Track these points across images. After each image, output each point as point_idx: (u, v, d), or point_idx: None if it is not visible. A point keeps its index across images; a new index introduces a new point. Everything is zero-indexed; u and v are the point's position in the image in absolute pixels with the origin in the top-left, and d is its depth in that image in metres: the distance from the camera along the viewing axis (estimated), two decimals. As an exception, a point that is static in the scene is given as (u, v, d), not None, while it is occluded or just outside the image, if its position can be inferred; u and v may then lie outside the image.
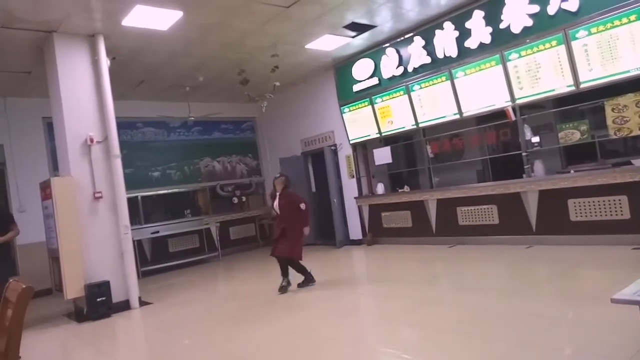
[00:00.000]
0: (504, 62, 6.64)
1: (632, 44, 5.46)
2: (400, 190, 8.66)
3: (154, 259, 9.48)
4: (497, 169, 7.84)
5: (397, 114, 8.24)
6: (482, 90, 6.99)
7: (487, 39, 6.78)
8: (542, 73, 6.30)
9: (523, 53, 6.44)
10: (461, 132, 7.87)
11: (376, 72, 8.49)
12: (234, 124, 11.50)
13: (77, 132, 6.12)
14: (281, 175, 6.19)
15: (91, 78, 6.28)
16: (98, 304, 5.82)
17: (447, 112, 7.50)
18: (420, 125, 7.94)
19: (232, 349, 4.10)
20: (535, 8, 6.17)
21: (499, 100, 6.82)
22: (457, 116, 7.39)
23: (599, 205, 5.96)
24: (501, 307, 4.15)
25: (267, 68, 7.89)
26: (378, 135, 8.72)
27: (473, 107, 7.17)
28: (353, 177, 9.42)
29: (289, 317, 4.93)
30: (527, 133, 6.75)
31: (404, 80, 8.02)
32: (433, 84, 7.59)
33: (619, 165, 5.86)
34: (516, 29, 6.43)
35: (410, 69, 7.91)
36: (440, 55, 7.43)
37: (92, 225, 6.08)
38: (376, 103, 8.54)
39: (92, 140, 6.16)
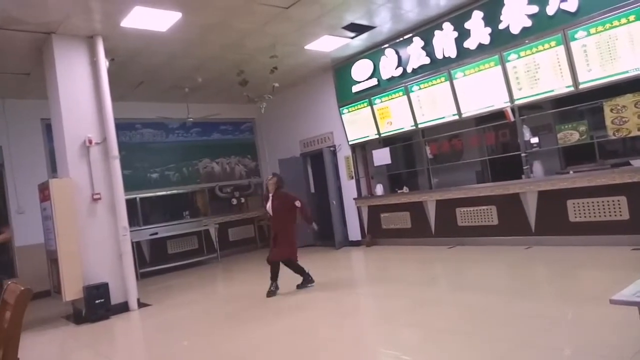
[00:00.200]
0: (503, 62, 6.65)
1: (631, 44, 5.47)
2: (399, 191, 8.66)
3: (153, 261, 9.46)
4: (496, 169, 7.84)
5: (396, 115, 8.24)
6: (481, 91, 6.99)
7: (486, 40, 6.78)
8: (541, 74, 6.31)
9: (522, 54, 6.44)
10: (460, 133, 7.88)
11: (375, 73, 8.49)
12: (233, 125, 11.49)
13: (75, 134, 6.11)
14: (274, 176, 6.17)
15: (90, 79, 6.27)
16: (96, 305, 5.80)
17: (446, 113, 7.50)
18: (420, 126, 7.94)
19: (232, 350, 4.09)
20: (534, 9, 6.18)
21: (498, 101, 6.82)
22: (456, 117, 7.39)
23: (598, 205, 5.96)
24: (501, 308, 4.14)
25: (266, 69, 7.88)
26: (377, 136, 8.72)
27: (472, 107, 7.18)
28: (352, 178, 9.42)
29: (288, 318, 4.92)
30: (526, 134, 6.75)
31: (403, 81, 8.02)
32: (432, 85, 7.60)
33: (618, 165, 5.86)
34: (515, 30, 6.43)
35: (409, 70, 7.91)
36: (439, 56, 7.43)
37: (90, 226, 6.06)
38: (375, 104, 8.54)
39: (90, 142, 6.15)
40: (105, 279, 6.01)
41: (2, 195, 8.25)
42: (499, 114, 6.88)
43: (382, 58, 8.30)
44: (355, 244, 9.38)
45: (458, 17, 7.07)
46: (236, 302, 5.84)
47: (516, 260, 6.06)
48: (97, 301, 5.81)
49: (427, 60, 7.61)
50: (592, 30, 5.73)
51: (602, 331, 3.23)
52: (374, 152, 9.01)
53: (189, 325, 5.18)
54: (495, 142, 7.72)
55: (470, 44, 6.99)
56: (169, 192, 10.32)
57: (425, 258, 7.24)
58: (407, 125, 8.12)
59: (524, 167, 6.69)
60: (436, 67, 7.51)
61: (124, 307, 6.12)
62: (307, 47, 7.84)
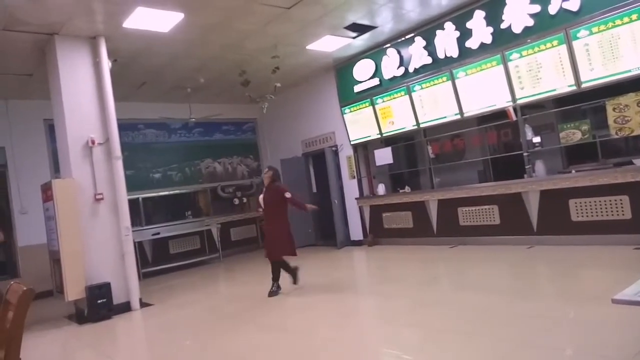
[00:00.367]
0: (505, 62, 6.64)
1: (633, 43, 5.45)
2: (401, 191, 8.65)
3: (155, 261, 9.48)
4: (498, 169, 7.83)
5: (398, 115, 8.24)
6: (483, 91, 6.98)
7: (488, 39, 6.77)
8: (543, 73, 6.29)
9: (524, 53, 6.43)
10: (462, 133, 7.87)
11: (377, 72, 8.49)
12: (235, 125, 11.51)
13: (78, 134, 6.13)
14: (269, 169, 6.10)
15: (92, 80, 6.30)
16: (99, 305, 5.82)
17: (448, 113, 7.49)
18: (421, 125, 7.93)
19: (233, 349, 4.09)
20: (536, 8, 6.17)
21: (500, 100, 6.81)
22: (458, 116, 7.38)
23: (600, 205, 5.94)
24: (502, 308, 4.14)
25: (268, 69, 7.89)
26: (379, 136, 8.72)
27: (474, 107, 7.17)
28: (354, 177, 9.42)
29: (289, 318, 4.93)
30: (528, 133, 6.74)
31: (405, 80, 8.02)
32: (434, 84, 7.59)
33: (620, 165, 5.85)
34: (517, 29, 6.42)
35: (411, 70, 7.91)
36: (441, 55, 7.42)
37: (93, 227, 6.09)
38: (377, 104, 8.54)
39: (93, 142, 6.17)
40: (107, 278, 6.03)
41: (5, 195, 8.29)
42: (501, 114, 6.87)
43: (384, 58, 8.30)
44: (357, 243, 9.38)
45: (460, 17, 7.07)
46: (238, 302, 5.84)
47: (518, 259, 6.05)
48: (99, 301, 5.83)
49: (429, 60, 7.61)
50: (595, 30, 5.72)
51: (603, 331, 3.23)
52: (375, 151, 9.01)
53: (191, 325, 5.19)
54: (497, 141, 7.71)
55: (472, 43, 6.98)
56: (171, 192, 10.34)
57: (427, 258, 7.23)
58: (409, 124, 8.12)
59: (526, 167, 6.68)
60: (438, 66, 7.50)
61: (126, 307, 6.14)
62: (309, 47, 7.84)
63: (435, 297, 5.00)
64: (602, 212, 5.93)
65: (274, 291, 5.79)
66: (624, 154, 6.42)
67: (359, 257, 8.46)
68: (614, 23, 5.55)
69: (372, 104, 8.61)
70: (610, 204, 5.85)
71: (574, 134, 6.25)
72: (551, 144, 6.78)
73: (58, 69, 6.08)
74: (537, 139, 6.71)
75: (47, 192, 6.17)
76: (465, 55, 7.10)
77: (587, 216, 6.07)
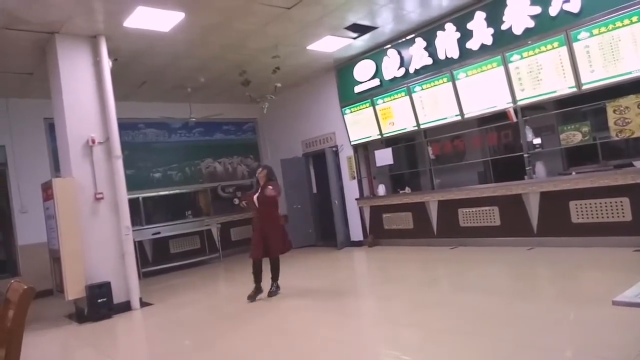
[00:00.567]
0: (505, 63, 6.64)
1: (634, 45, 5.45)
2: (401, 192, 8.65)
3: (155, 260, 9.48)
4: (499, 170, 7.83)
5: (398, 115, 8.24)
6: (483, 92, 6.99)
7: (489, 40, 6.78)
8: (543, 74, 6.30)
9: (525, 54, 6.43)
10: (462, 134, 7.87)
11: (377, 73, 8.49)
12: (236, 125, 11.51)
13: (78, 133, 6.13)
14: (263, 168, 5.95)
15: (93, 79, 6.30)
16: (99, 304, 5.82)
17: (448, 114, 7.49)
18: (422, 126, 7.94)
19: (234, 349, 4.09)
20: (537, 9, 6.17)
21: (501, 101, 6.81)
22: (459, 117, 7.38)
23: (601, 207, 5.94)
24: (503, 309, 4.14)
25: (269, 69, 7.89)
26: (379, 137, 8.72)
27: (474, 108, 7.17)
28: (354, 178, 9.42)
29: (289, 318, 4.92)
30: (529, 134, 6.74)
31: (406, 81, 8.02)
32: (434, 85, 7.59)
33: (620, 167, 5.84)
34: (518, 30, 6.42)
35: (411, 70, 7.91)
36: (441, 56, 7.43)
37: (93, 226, 6.08)
38: (377, 104, 8.54)
39: (93, 141, 6.17)
40: (107, 278, 6.02)
41: (5, 194, 8.29)
42: (502, 115, 6.87)
43: (385, 58, 8.30)
44: (357, 244, 9.38)
45: (460, 18, 7.07)
46: (238, 302, 5.83)
47: (518, 261, 6.05)
48: (99, 300, 5.83)
49: (429, 61, 7.61)
50: (595, 31, 5.72)
51: (603, 332, 3.23)
52: (376, 152, 9.01)
53: (191, 325, 5.19)
54: (498, 142, 7.71)
55: (472, 44, 6.98)
56: (171, 192, 10.34)
57: (427, 259, 7.23)
58: (409, 125, 8.12)
59: (527, 168, 6.68)
60: (438, 67, 7.50)
61: (126, 306, 6.14)
62: (310, 47, 7.84)
63: (436, 298, 5.00)
64: (602, 214, 5.94)
65: (273, 291, 5.79)
66: (625, 155, 6.42)
67: (359, 257, 8.46)
68: (615, 25, 5.55)
69: (373, 105, 8.61)
70: (611, 206, 5.85)
71: (574, 136, 6.25)
72: (551, 146, 6.79)
73: (58, 68, 6.08)
74: (537, 141, 6.71)
75: (47, 191, 6.17)
76: (466, 56, 7.10)
77: (588, 218, 6.07)
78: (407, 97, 8.00)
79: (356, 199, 9.37)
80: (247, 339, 4.34)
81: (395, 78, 8.20)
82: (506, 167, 7.55)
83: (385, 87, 8.39)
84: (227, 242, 10.53)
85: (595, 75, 5.83)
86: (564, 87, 6.12)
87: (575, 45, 5.90)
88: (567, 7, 5.88)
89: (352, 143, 9.25)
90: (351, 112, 9.09)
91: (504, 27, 6.57)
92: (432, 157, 8.15)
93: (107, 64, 6.32)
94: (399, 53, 8.07)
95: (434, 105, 7.67)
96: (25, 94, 8.18)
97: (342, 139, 9.47)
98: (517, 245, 6.71)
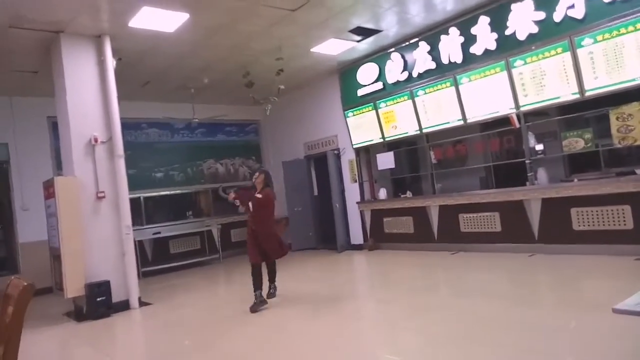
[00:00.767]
0: (508, 68, 6.64)
1: (638, 52, 5.44)
2: (402, 196, 8.64)
3: (155, 260, 9.48)
4: (500, 176, 7.81)
5: (401, 119, 8.24)
6: (486, 97, 6.98)
7: (493, 45, 6.78)
8: (547, 80, 6.29)
9: (528, 60, 6.43)
10: (465, 139, 7.86)
11: (381, 76, 8.50)
12: (238, 126, 11.52)
13: (81, 132, 6.14)
14: (260, 173, 5.69)
15: (97, 78, 6.31)
16: (98, 303, 5.82)
17: (451, 118, 7.49)
18: (424, 130, 7.93)
19: (233, 350, 4.09)
20: (541, 15, 6.17)
21: (504, 107, 6.81)
22: (461, 122, 7.38)
23: (602, 214, 5.93)
24: (503, 315, 4.13)
25: (272, 71, 7.89)
26: (381, 140, 8.72)
27: (477, 113, 7.16)
28: (355, 181, 9.41)
29: (287, 320, 4.91)
30: (531, 140, 6.73)
31: (409, 85, 8.02)
32: (437, 90, 7.59)
33: (623, 174, 5.83)
34: (522, 36, 6.42)
35: (415, 74, 7.91)
36: (445, 60, 7.43)
37: (94, 224, 6.09)
38: (380, 108, 8.54)
39: (96, 140, 6.18)
40: (107, 277, 6.02)
41: (7, 191, 8.30)
42: (504, 120, 6.87)
43: (388, 62, 8.31)
44: (358, 247, 9.36)
45: (464, 22, 7.08)
46: (237, 303, 5.82)
47: (519, 267, 6.03)
48: (98, 299, 5.83)
49: (432, 65, 7.61)
50: (599, 38, 5.72)
51: (603, 340, 3.21)
52: (378, 156, 9.00)
53: (190, 325, 5.19)
54: (500, 148, 7.69)
55: (476, 49, 6.98)
56: (172, 192, 10.34)
57: (427, 263, 7.21)
58: (411, 129, 8.11)
59: (529, 174, 6.67)
60: (442, 71, 7.50)
61: (125, 306, 6.14)
62: (313, 49, 7.86)
63: (435, 303, 4.98)
64: (603, 221, 5.92)
65: (272, 293, 5.75)
66: (627, 163, 6.39)
67: (359, 261, 8.45)
68: (619, 31, 5.55)
69: (375, 108, 8.61)
70: (612, 214, 5.83)
71: (576, 143, 6.24)
72: (554, 152, 6.77)
73: (63, 67, 6.10)
74: (539, 147, 6.70)
75: (49, 189, 6.18)
76: (469, 61, 7.10)
77: (589, 225, 6.05)
78: (410, 101, 8.00)
79: (357, 203, 9.36)
80: (246, 341, 4.33)
81: (398, 82, 8.21)
82: (508, 172, 7.54)
83: (388, 91, 8.40)
84: (227, 243, 10.52)
85: (598, 82, 5.82)
86: (567, 93, 6.12)
87: (579, 51, 5.90)
88: (572, 13, 5.88)
89: (354, 146, 9.25)
90: (354, 115, 9.10)
91: (507, 32, 6.57)
92: (434, 161, 8.14)
93: (111, 63, 6.33)
94: (403, 57, 8.07)
95: (437, 110, 7.67)
96: (29, 92, 8.20)
97: (344, 142, 9.47)
98: (517, 251, 6.69)
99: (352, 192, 9.48)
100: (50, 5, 5.27)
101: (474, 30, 6.96)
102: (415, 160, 9.31)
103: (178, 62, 7.71)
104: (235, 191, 5.83)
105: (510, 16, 6.50)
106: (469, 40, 7.04)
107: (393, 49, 8.18)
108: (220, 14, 6.05)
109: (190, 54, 7.39)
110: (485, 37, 6.85)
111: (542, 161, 6.77)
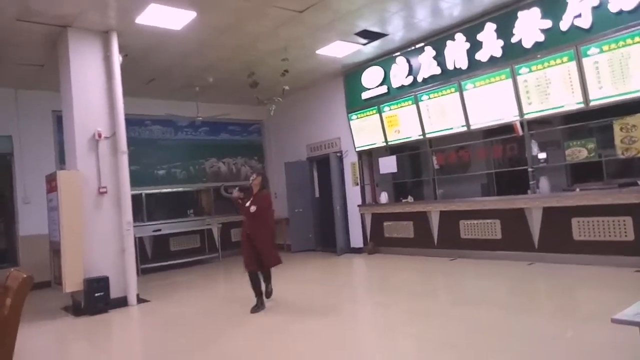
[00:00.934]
0: (514, 76, 6.64)
1: (643, 64, 5.44)
2: (403, 200, 8.64)
3: (155, 257, 9.49)
4: (502, 183, 7.81)
5: (404, 124, 8.24)
6: (490, 104, 6.98)
7: (498, 52, 6.78)
8: (551, 89, 6.29)
9: (533, 68, 6.43)
10: (468, 145, 7.85)
11: (385, 80, 8.51)
12: (242, 126, 11.54)
13: (85, 127, 6.16)
14: (257, 175, 5.53)
15: (102, 74, 6.34)
16: (96, 299, 5.82)
17: (454, 124, 7.49)
18: (427, 135, 7.93)
19: (230, 350, 4.08)
20: (548, 23, 6.17)
21: (507, 114, 6.80)
22: (465, 128, 7.37)
23: (603, 225, 5.91)
24: (500, 323, 4.11)
25: (277, 72, 7.92)
26: (384, 144, 8.72)
27: (481, 120, 7.16)
28: (357, 184, 9.41)
29: (286, 321, 4.89)
30: (534, 149, 6.73)
31: (413, 90, 8.03)
32: (442, 95, 7.59)
33: (625, 185, 5.81)
34: (527, 44, 6.42)
35: (419, 79, 7.92)
36: (450, 66, 7.43)
37: (95, 220, 6.10)
38: (384, 111, 8.55)
39: (100, 136, 6.20)
40: (106, 272, 6.03)
41: (9, 184, 8.32)
42: (508, 128, 6.86)
43: (393, 66, 8.31)
44: (357, 251, 9.36)
45: (471, 29, 7.08)
46: (236, 303, 5.82)
47: (518, 275, 6.02)
48: (96, 294, 5.83)
49: (437, 70, 7.62)
50: (605, 48, 5.71)
51: (602, 350, 3.20)
52: (380, 159, 9.00)
53: (188, 323, 5.18)
54: (503, 155, 7.69)
55: (481, 55, 6.98)
56: (174, 190, 10.36)
57: (427, 269, 7.20)
58: (414, 134, 8.11)
59: (530, 182, 6.66)
60: (447, 77, 7.51)
61: (123, 302, 6.14)
62: (319, 51, 7.87)
63: (433, 309, 4.97)
64: (604, 232, 5.90)
65: (270, 291, 5.62)
66: (630, 174, 6.38)
67: (358, 264, 8.44)
68: (625, 42, 5.54)
69: (379, 112, 8.62)
70: (613, 225, 5.81)
71: (579, 152, 6.23)
72: (556, 161, 6.77)
73: (69, 61, 6.12)
74: (542, 155, 6.70)
75: (51, 182, 6.20)
76: (475, 67, 7.11)
77: (590, 236, 6.03)
78: (414, 106, 8.00)
79: (358, 206, 9.36)
80: (244, 341, 4.33)
81: (403, 86, 8.21)
82: (510, 180, 7.53)
83: (393, 95, 8.40)
84: (227, 242, 10.52)
85: (603, 92, 5.81)
86: (572, 102, 6.11)
87: (585, 60, 5.90)
88: (578, 22, 5.88)
89: (357, 149, 9.25)
90: (357, 118, 9.10)
91: (514, 39, 6.57)
92: (436, 167, 8.14)
93: (117, 59, 6.35)
94: (408, 61, 8.08)
95: (441, 115, 7.67)
96: (35, 86, 8.23)
97: (347, 145, 9.47)
98: (517, 259, 6.68)
99: (354, 195, 9.48)
100: (58, 0, 5.29)
101: (480, 36, 6.96)
102: (418, 165, 9.31)
103: (183, 60, 7.73)
104: (238, 190, 5.73)
105: (517, 24, 6.50)
106: (475, 46, 7.05)
107: (398, 53, 8.19)
108: (228, 14, 6.07)
109: (196, 52, 7.41)
110: (491, 43, 6.85)
111: (544, 170, 6.76)
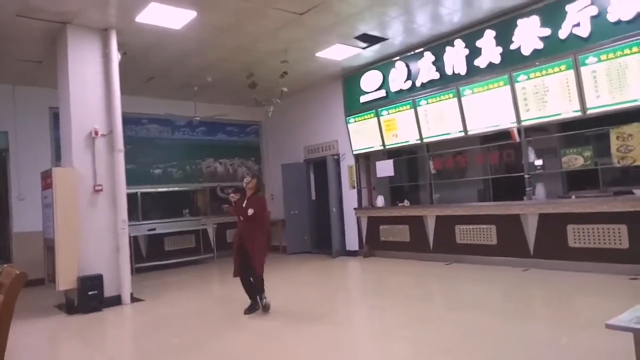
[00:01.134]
0: (512, 83, 6.67)
1: (640, 73, 5.48)
2: (400, 204, 8.65)
3: (149, 256, 9.45)
4: (499, 189, 7.83)
5: (402, 128, 8.26)
6: (488, 110, 7.01)
7: (497, 59, 6.81)
8: (549, 96, 6.32)
9: (532, 75, 6.46)
10: (465, 150, 7.88)
11: (384, 84, 8.53)
12: (239, 126, 11.53)
13: (82, 124, 6.13)
14: (252, 178, 5.34)
15: (101, 71, 6.32)
16: (89, 297, 5.79)
17: (452, 129, 7.51)
18: (425, 140, 7.95)
19: (224, 351, 4.06)
20: (547, 31, 6.21)
21: (505, 120, 6.83)
22: (462, 134, 7.39)
23: (598, 232, 5.93)
24: (495, 328, 4.11)
25: (276, 73, 7.92)
26: (382, 148, 8.73)
27: (478, 125, 7.18)
28: (354, 187, 9.41)
29: (278, 326, 4.87)
30: (531, 155, 6.75)
31: (411, 94, 8.05)
32: (440, 100, 7.62)
33: (620, 194, 5.84)
34: (526, 51, 6.46)
35: (418, 84, 7.94)
36: (449, 72, 7.46)
37: (90, 217, 6.07)
38: (382, 115, 8.56)
39: (96, 133, 6.17)
40: (100, 270, 6.00)
41: (4, 180, 8.27)
42: (505, 134, 6.89)
43: (392, 70, 8.33)
44: (353, 254, 9.35)
45: (470, 35, 7.11)
46: (229, 303, 5.79)
47: (513, 281, 6.02)
48: (90, 292, 5.79)
49: (436, 76, 7.64)
50: (603, 57, 5.75)
51: (596, 356, 3.20)
52: (377, 163, 9.01)
53: (181, 323, 5.15)
54: (499, 161, 7.71)
55: (480, 62, 7.01)
56: (170, 189, 10.33)
57: (422, 273, 7.19)
58: (412, 138, 8.13)
59: (527, 189, 6.68)
60: (445, 82, 7.53)
61: (116, 301, 6.10)
62: (319, 54, 7.88)
63: (427, 313, 4.96)
64: (599, 239, 5.92)
65: (266, 305, 5.22)
66: (625, 183, 6.42)
67: (353, 267, 8.43)
68: (623, 52, 5.58)
69: (377, 116, 8.63)
70: (608, 233, 5.84)
71: (576, 160, 6.26)
72: (553, 168, 6.79)
73: (67, 58, 6.10)
74: (539, 162, 6.73)
75: (46, 179, 6.16)
76: (473, 73, 7.13)
77: (585, 243, 6.05)
78: (412, 110, 8.02)
79: (354, 209, 9.36)
80: (237, 342, 4.31)
81: (401, 90, 8.23)
82: (506, 186, 7.56)
83: (391, 99, 8.42)
84: (223, 243, 10.48)
85: (600, 101, 5.85)
86: (569, 110, 6.14)
87: (583, 69, 5.93)
88: (577, 31, 5.91)
89: (354, 152, 9.26)
90: (355, 121, 9.11)
91: (512, 46, 6.61)
92: (433, 171, 8.15)
93: (116, 57, 6.34)
94: (407, 66, 8.10)
95: (438, 120, 7.69)
96: (33, 82, 8.19)
97: (345, 148, 9.48)
98: (512, 265, 6.69)
99: (350, 198, 9.48)
100: (58, -4, 5.29)
101: (479, 43, 6.99)
102: (415, 169, 9.32)
103: (183, 59, 7.72)
104: (234, 191, 5.66)
105: (516, 31, 6.54)
106: (474, 52, 7.08)
107: (398, 58, 8.22)
108: (228, 14, 6.07)
109: (195, 52, 7.40)
110: (490, 50, 6.88)
111: (540, 176, 6.79)
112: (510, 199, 6.94)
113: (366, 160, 9.40)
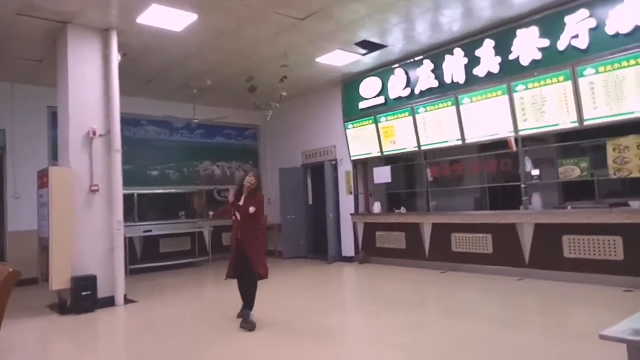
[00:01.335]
0: (510, 92, 6.70)
1: (638, 85, 5.51)
2: (396, 211, 8.65)
3: (144, 258, 9.41)
4: (495, 198, 7.84)
5: (400, 135, 8.28)
6: (486, 119, 7.03)
7: (496, 69, 6.85)
8: (547, 107, 6.35)
9: (530, 85, 6.49)
10: (462, 158, 7.90)
11: (383, 91, 8.55)
12: (237, 130, 11.53)
13: (80, 124, 6.12)
14: (253, 176, 5.03)
15: (100, 72, 6.31)
16: (82, 297, 5.75)
17: (449, 137, 7.53)
18: (422, 147, 7.97)
19: (216, 355, 4.03)
20: (546, 42, 6.25)
21: (502, 129, 6.85)
22: (460, 142, 7.42)
23: (594, 244, 5.94)
24: (490, 336, 4.11)
25: (276, 77, 7.94)
26: (379, 154, 8.74)
27: (476, 134, 7.21)
28: (351, 193, 9.41)
29: (272, 331, 4.85)
30: (528, 165, 6.77)
31: (410, 101, 8.07)
32: (438, 108, 7.64)
33: (616, 205, 5.87)
34: (525, 61, 6.49)
35: (417, 91, 7.97)
36: (447, 80, 7.49)
37: (85, 217, 6.04)
38: (380, 122, 8.58)
39: (94, 133, 6.16)
40: (94, 271, 5.97)
41: (0, 178, 8.24)
42: (502, 143, 6.91)
43: (391, 77, 8.36)
44: (348, 259, 9.34)
45: (469, 44, 7.15)
46: (223, 307, 5.77)
47: (508, 290, 6.02)
48: (83, 293, 5.76)
49: (435, 84, 7.67)
50: (601, 69, 5.79)
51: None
52: (374, 169, 9.02)
53: (174, 326, 5.12)
54: (496, 170, 7.73)
55: (479, 71, 7.05)
56: (167, 191, 10.30)
57: (417, 280, 7.19)
58: (410, 145, 8.15)
59: (523, 198, 6.70)
60: (444, 90, 7.56)
61: (110, 302, 6.07)
62: (318, 59, 7.90)
63: (422, 320, 4.95)
64: (594, 251, 5.93)
65: (248, 323, 4.85)
66: (621, 194, 6.44)
67: (348, 273, 8.41)
68: (620, 64, 5.62)
69: (376, 122, 8.65)
70: (603, 244, 5.85)
71: (572, 170, 6.28)
72: (549, 178, 6.81)
73: (67, 58, 6.10)
74: (535, 172, 6.74)
75: (42, 178, 6.14)
76: (472, 82, 7.17)
77: (580, 254, 6.06)
78: (410, 118, 8.04)
79: (351, 214, 9.35)
80: (229, 346, 4.29)
81: (400, 97, 8.26)
82: (502, 195, 7.57)
83: (390, 106, 8.44)
84: (218, 246, 10.45)
85: (597, 112, 5.88)
86: (566, 121, 6.17)
87: (581, 80, 5.97)
88: (575, 42, 5.95)
89: (352, 158, 9.27)
90: (353, 127, 9.13)
91: (511, 56, 6.64)
92: (430, 179, 8.17)
93: (115, 58, 6.34)
94: (406, 73, 8.13)
95: (436, 128, 7.71)
96: (32, 81, 8.19)
97: (342, 153, 9.49)
98: (507, 274, 6.69)
99: (347, 204, 9.48)
100: (60, -4, 5.30)
101: (478, 52, 7.03)
102: (412, 176, 9.34)
103: (183, 61, 7.73)
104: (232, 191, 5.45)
105: (515, 41, 6.58)
106: (473, 61, 7.11)
107: (397, 65, 8.25)
108: (229, 18, 6.09)
109: (195, 54, 7.41)
110: (489, 59, 6.92)
111: (537, 186, 6.80)
112: (507, 208, 6.96)
113: (363, 166, 9.41)
